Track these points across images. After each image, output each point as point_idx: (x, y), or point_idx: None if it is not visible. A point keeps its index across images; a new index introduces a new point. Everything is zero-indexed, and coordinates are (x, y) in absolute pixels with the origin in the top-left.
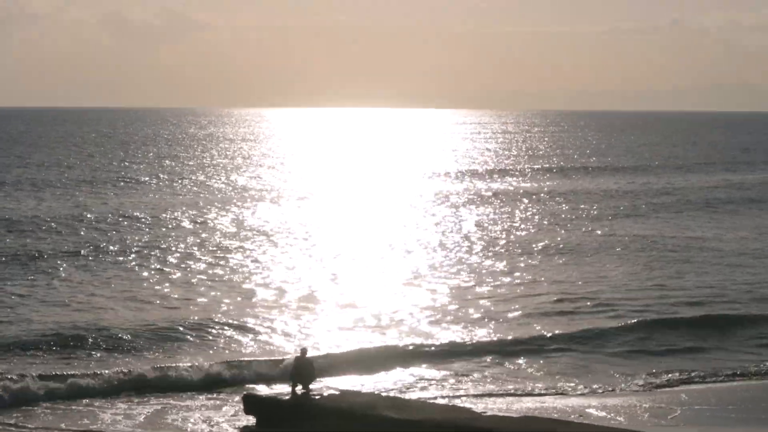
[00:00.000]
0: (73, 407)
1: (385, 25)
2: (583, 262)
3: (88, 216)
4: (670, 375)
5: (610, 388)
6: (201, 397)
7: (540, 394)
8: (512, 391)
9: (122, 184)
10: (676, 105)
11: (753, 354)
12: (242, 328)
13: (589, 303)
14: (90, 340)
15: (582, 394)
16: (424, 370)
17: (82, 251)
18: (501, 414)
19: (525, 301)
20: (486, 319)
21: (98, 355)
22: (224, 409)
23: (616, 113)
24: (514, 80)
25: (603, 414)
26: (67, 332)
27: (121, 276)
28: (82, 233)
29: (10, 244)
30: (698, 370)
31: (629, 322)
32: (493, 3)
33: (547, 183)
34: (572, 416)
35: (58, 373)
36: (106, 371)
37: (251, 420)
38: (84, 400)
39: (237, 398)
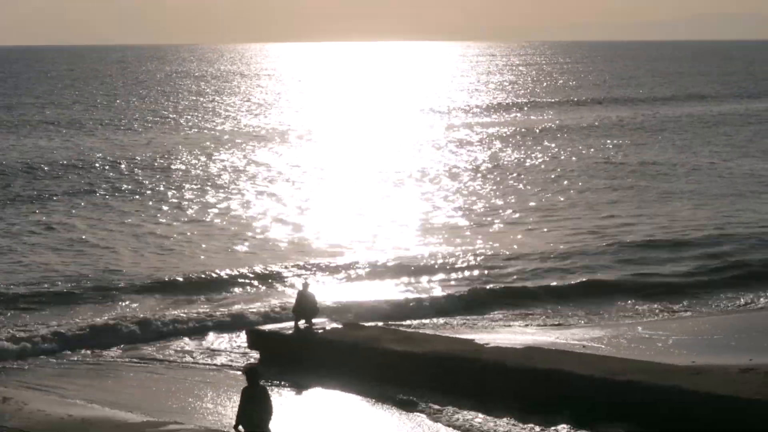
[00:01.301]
0: (75, 358)
1: None
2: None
3: (81, 158)
4: (665, 305)
5: (613, 320)
6: (209, 337)
7: (542, 326)
8: (515, 324)
9: (122, 124)
10: (661, 35)
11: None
12: (242, 269)
13: (593, 236)
14: (88, 285)
15: (586, 326)
16: (426, 302)
17: (77, 193)
18: (504, 345)
19: (527, 235)
20: (488, 252)
21: (89, 305)
22: (229, 345)
23: (602, 43)
24: (504, 13)
25: (605, 345)
26: (63, 279)
27: (115, 220)
28: (74, 176)
29: None
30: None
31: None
32: None
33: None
34: (575, 347)
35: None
36: (101, 319)
37: (255, 355)
38: (83, 351)
39: (241, 335)
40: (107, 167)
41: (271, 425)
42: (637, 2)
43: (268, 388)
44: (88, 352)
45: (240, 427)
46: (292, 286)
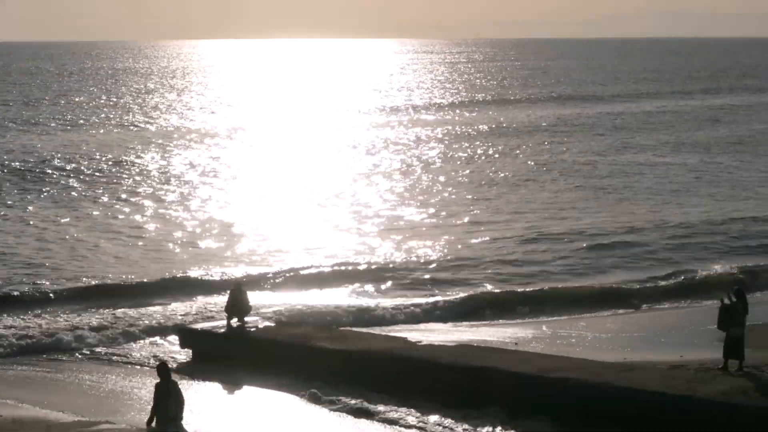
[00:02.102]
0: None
1: None
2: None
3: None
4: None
5: (546, 319)
6: (141, 338)
7: (476, 324)
8: (448, 321)
9: (54, 123)
10: (613, 32)
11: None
12: (174, 270)
13: (533, 234)
14: (24, 289)
15: (519, 325)
16: (361, 299)
17: None
18: (437, 343)
19: (462, 233)
20: (423, 251)
21: (22, 309)
22: (161, 345)
23: (551, 41)
24: (448, 9)
25: (538, 343)
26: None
27: (39, 224)
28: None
29: None
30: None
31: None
32: None
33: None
34: (508, 345)
35: None
36: (34, 323)
37: (188, 354)
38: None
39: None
40: (37, 169)
41: (201, 421)
42: (570, 1)
43: (178, 382)
44: (23, 357)
45: (153, 423)
46: (224, 285)
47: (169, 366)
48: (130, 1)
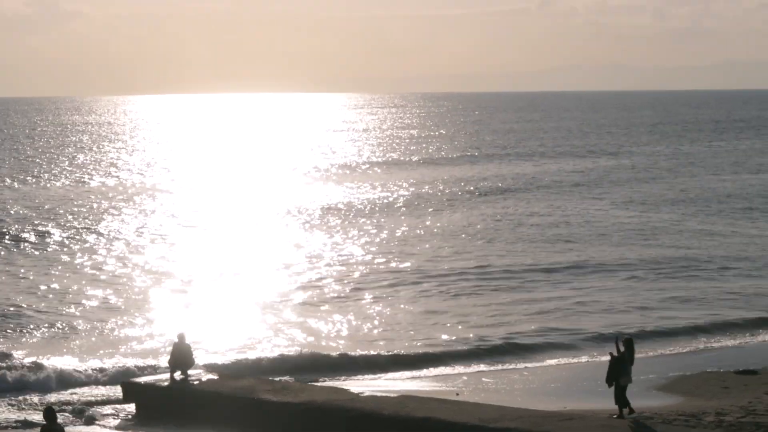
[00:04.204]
0: None
1: (256, 12)
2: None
3: None
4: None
5: (487, 369)
6: (83, 389)
7: (417, 375)
8: (391, 368)
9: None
10: (546, 86)
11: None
12: (116, 320)
13: (462, 282)
14: None
15: (459, 374)
16: (301, 354)
17: None
18: (379, 394)
19: (393, 280)
20: (360, 305)
21: None
22: (103, 399)
23: (488, 94)
24: (387, 64)
25: (478, 391)
26: None
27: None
28: None
29: None
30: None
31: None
32: None
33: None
34: (449, 395)
35: None
36: None
37: (132, 408)
38: None
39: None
40: None
41: None
42: (509, 54)
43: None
44: None
45: None
46: (167, 338)
47: (53, 410)
48: (74, 61)
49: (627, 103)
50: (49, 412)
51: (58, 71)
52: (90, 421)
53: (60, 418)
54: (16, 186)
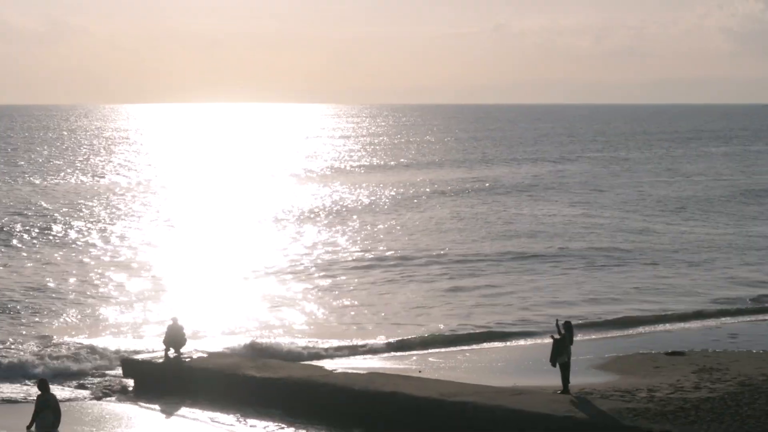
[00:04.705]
0: None
1: (243, 30)
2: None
3: None
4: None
5: (445, 350)
6: (87, 365)
7: (383, 351)
8: (361, 351)
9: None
10: (500, 99)
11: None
12: (117, 306)
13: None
14: None
15: (421, 354)
16: (287, 336)
17: None
18: (350, 371)
19: (365, 272)
20: (334, 291)
21: None
22: (106, 374)
23: (451, 106)
24: (360, 79)
25: (438, 371)
26: None
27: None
28: None
29: None
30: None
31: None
32: (344, 7)
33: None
34: (412, 372)
35: None
36: None
37: (130, 382)
38: None
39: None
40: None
41: None
42: (473, 67)
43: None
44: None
45: (33, 428)
46: (162, 320)
47: (47, 381)
48: (80, 72)
49: (571, 115)
50: (43, 383)
51: (67, 81)
52: (94, 388)
53: (67, 391)
54: (37, 182)
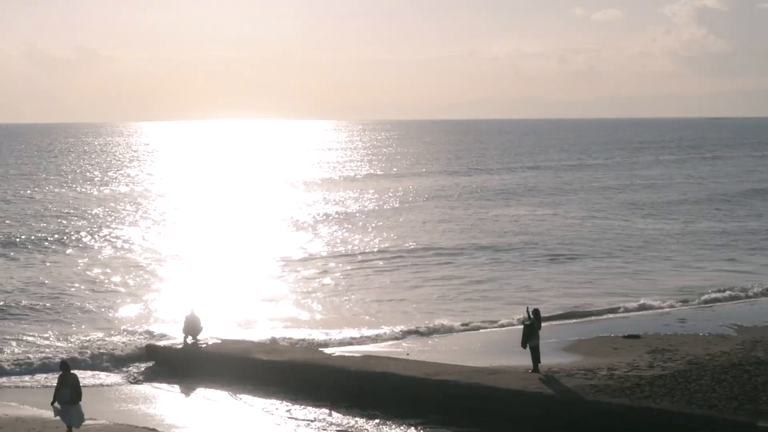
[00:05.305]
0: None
1: (255, 56)
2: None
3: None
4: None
5: (428, 336)
6: (117, 352)
7: (376, 341)
8: (360, 340)
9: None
10: (476, 114)
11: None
12: (141, 302)
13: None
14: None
15: (410, 340)
16: (292, 326)
17: None
18: (346, 354)
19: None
20: (338, 288)
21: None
22: (135, 358)
23: (435, 121)
24: (349, 96)
25: (423, 354)
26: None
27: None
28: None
29: None
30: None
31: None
32: (341, 35)
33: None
34: (401, 355)
35: None
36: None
37: (153, 365)
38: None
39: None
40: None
41: (161, 414)
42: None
43: (78, 376)
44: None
45: (56, 403)
46: (180, 311)
47: (68, 362)
48: (108, 94)
49: (538, 128)
50: (63, 364)
51: (96, 102)
52: (122, 371)
53: (103, 376)
54: (78, 189)
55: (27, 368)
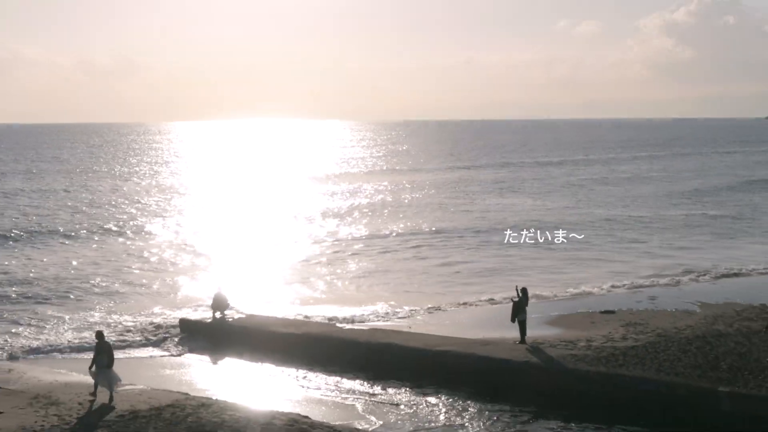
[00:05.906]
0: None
1: (275, 60)
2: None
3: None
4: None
5: (433, 308)
6: (155, 326)
7: (383, 316)
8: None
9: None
10: (472, 116)
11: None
12: (177, 284)
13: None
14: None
15: (410, 316)
16: (312, 305)
17: None
18: (355, 328)
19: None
20: (356, 275)
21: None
22: (170, 329)
23: (435, 122)
24: (364, 99)
25: (424, 326)
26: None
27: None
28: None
29: None
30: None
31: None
32: (351, 44)
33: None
34: (404, 328)
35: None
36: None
37: (186, 337)
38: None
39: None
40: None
41: (194, 378)
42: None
43: (111, 344)
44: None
45: (93, 368)
46: (209, 288)
47: (102, 333)
48: (145, 97)
49: (526, 128)
50: (99, 333)
51: (134, 105)
52: (158, 344)
53: (142, 351)
54: (119, 183)
55: (78, 346)
